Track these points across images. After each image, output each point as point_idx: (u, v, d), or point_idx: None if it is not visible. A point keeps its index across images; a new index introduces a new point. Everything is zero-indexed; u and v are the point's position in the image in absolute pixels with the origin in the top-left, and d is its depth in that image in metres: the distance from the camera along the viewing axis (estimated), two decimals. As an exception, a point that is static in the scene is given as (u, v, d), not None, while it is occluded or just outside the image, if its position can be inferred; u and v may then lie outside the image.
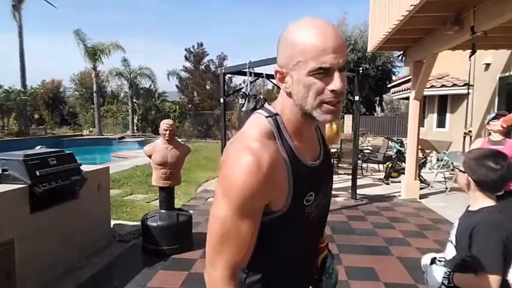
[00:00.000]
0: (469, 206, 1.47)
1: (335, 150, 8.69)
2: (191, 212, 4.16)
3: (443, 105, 10.00)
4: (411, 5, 3.91)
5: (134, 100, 21.99)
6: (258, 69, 5.37)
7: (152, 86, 22.61)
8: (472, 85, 6.91)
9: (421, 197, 6.22)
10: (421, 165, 7.17)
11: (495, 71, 7.42)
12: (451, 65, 9.17)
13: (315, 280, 1.12)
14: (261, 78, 5.75)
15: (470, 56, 4.40)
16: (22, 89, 17.64)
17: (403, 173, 6.76)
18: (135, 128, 21.95)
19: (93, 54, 18.76)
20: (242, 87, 5.58)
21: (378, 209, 5.49)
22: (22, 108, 17.56)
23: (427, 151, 8.77)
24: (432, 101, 10.41)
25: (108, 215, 3.93)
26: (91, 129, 21.59)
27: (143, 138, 17.58)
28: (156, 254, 3.48)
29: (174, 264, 3.36)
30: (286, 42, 0.83)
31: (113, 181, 6.41)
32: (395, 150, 8.11)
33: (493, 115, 3.22)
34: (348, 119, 16.98)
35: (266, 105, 0.95)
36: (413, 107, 6.24)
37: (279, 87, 0.94)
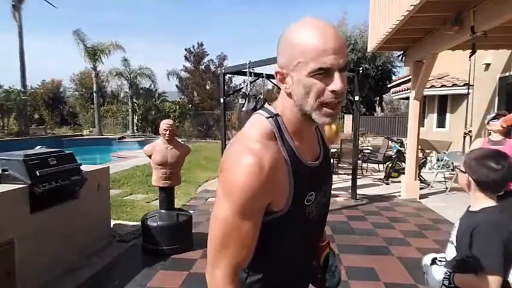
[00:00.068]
0: (469, 207, 1.47)
1: (335, 150, 8.69)
2: (191, 212, 4.17)
3: (443, 105, 10.00)
4: (411, 5, 3.91)
5: (134, 100, 21.99)
6: (258, 69, 5.37)
7: (152, 86, 22.65)
8: (472, 85, 6.92)
9: (421, 197, 6.22)
10: (421, 165, 7.18)
11: (495, 71, 7.42)
12: (451, 65, 9.18)
13: (318, 279, 1.12)
14: (261, 78, 5.75)
15: (470, 56, 4.40)
16: (22, 89, 17.64)
17: (403, 173, 6.76)
18: (135, 128, 21.95)
19: (93, 54, 18.77)
20: (242, 87, 5.58)
21: (378, 209, 5.49)
22: (22, 108, 17.56)
23: (427, 151, 8.77)
24: (432, 101, 10.41)
25: (108, 215, 3.93)
26: (91, 129, 21.59)
27: (143, 138, 17.58)
28: (156, 254, 3.48)
29: (174, 264, 3.36)
30: (287, 43, 0.83)
31: (113, 181, 6.41)
32: (395, 150, 8.12)
33: (493, 115, 3.22)
34: (348, 119, 16.99)
35: (266, 105, 0.95)
36: (413, 107, 6.24)
37: (279, 87, 0.94)
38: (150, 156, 3.58)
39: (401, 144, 8.18)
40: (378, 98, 22.96)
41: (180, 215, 3.68)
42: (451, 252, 1.46)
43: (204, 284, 0.90)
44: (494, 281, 1.24)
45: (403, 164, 7.50)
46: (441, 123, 10.15)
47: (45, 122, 23.95)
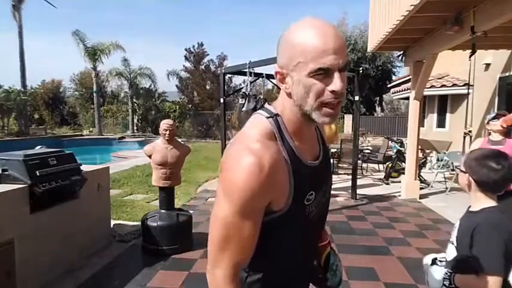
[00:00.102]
0: (469, 207, 1.47)
1: (335, 150, 8.69)
2: (191, 212, 4.16)
3: (443, 105, 9.99)
4: (411, 5, 3.91)
5: (134, 100, 21.99)
6: (258, 69, 5.37)
7: (152, 86, 22.65)
8: (472, 85, 6.89)
9: (421, 197, 6.22)
10: (421, 165, 7.18)
11: (495, 71, 7.42)
12: (451, 65, 9.17)
13: (319, 279, 1.12)
14: (261, 78, 5.75)
15: (470, 56, 4.39)
16: (22, 89, 17.65)
17: (403, 173, 6.76)
18: (135, 128, 21.95)
19: (93, 54, 18.77)
20: (242, 87, 5.58)
21: (378, 209, 5.49)
22: (22, 108, 17.56)
23: (427, 151, 8.77)
24: (432, 101, 10.40)
25: (108, 215, 3.93)
26: (91, 129, 21.59)
27: (143, 138, 17.58)
28: (156, 254, 3.48)
29: (174, 264, 3.36)
30: (287, 43, 0.83)
31: (113, 181, 6.41)
32: (395, 150, 8.12)
33: (493, 115, 3.22)
34: (348, 119, 16.99)
35: (266, 105, 0.95)
36: (413, 107, 6.24)
37: (279, 87, 0.94)
38: (150, 156, 3.58)
39: (401, 144, 8.18)
40: (378, 98, 22.97)
41: (180, 215, 3.68)
42: (451, 253, 1.46)
43: (204, 284, 0.90)
44: (494, 281, 1.24)
45: (403, 164, 7.50)
46: (441, 123, 10.15)
47: (45, 122, 23.95)
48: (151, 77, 21.81)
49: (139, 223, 3.86)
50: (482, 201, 1.40)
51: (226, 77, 7.04)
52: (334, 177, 7.44)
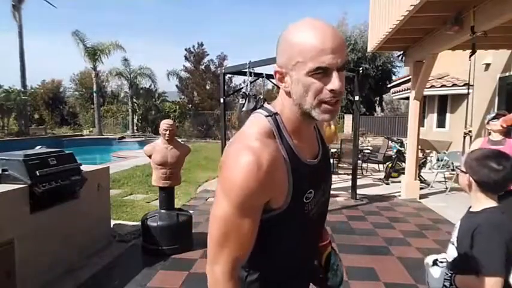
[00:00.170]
0: (470, 207, 1.46)
1: (335, 150, 8.69)
2: (191, 212, 4.16)
3: (443, 105, 9.99)
4: (411, 5, 3.90)
5: (134, 100, 21.99)
6: (258, 69, 5.37)
7: (152, 86, 22.65)
8: (472, 85, 6.88)
9: (421, 197, 6.21)
10: (421, 165, 7.17)
11: (495, 71, 7.42)
12: (451, 65, 9.17)
13: (319, 278, 1.12)
14: (261, 78, 5.75)
15: (470, 56, 4.39)
16: (22, 89, 17.65)
17: (403, 173, 6.76)
18: (135, 128, 21.95)
19: (93, 54, 18.77)
20: (242, 87, 5.58)
21: (378, 209, 5.48)
22: (22, 108, 17.57)
23: (427, 151, 8.77)
24: (432, 101, 10.40)
25: (108, 215, 3.93)
26: (91, 129, 21.59)
27: (143, 138, 17.58)
28: (156, 254, 3.48)
29: (174, 264, 3.36)
30: (286, 42, 0.84)
31: (113, 181, 6.41)
32: (395, 150, 8.11)
33: (493, 115, 3.22)
34: (348, 119, 17.00)
35: (266, 104, 0.96)
36: (413, 107, 6.24)
37: (278, 87, 0.95)
38: (150, 156, 3.58)
39: (401, 144, 8.18)
40: (378, 98, 22.97)
41: (180, 215, 3.67)
42: (451, 253, 1.46)
43: (204, 284, 0.90)
44: (495, 282, 1.24)
45: (403, 164, 7.49)
46: (441, 123, 10.15)
47: (45, 122, 23.95)
48: (151, 77, 21.85)
49: (139, 223, 3.86)
50: (482, 202, 1.39)
51: (226, 77, 7.04)
52: (334, 177, 7.44)
